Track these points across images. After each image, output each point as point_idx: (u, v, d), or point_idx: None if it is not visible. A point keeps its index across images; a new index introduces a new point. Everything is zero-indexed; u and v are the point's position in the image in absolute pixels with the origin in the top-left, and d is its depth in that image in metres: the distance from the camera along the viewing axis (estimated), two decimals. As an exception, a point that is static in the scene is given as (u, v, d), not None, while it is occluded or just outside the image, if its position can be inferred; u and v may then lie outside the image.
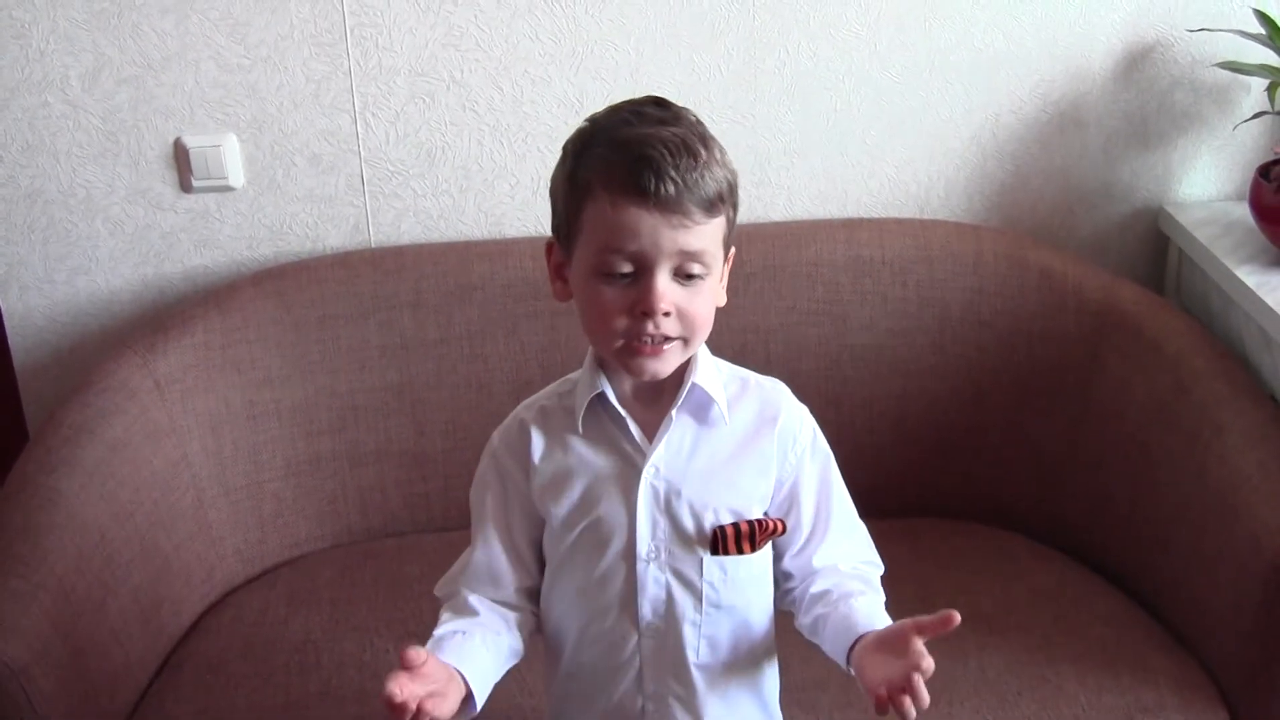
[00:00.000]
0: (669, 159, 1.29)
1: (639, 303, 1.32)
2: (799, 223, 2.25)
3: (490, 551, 1.46)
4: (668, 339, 1.34)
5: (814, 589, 1.46)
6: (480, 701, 1.38)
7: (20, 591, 1.65)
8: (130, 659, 1.84)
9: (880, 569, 1.50)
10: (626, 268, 1.32)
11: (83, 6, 2.08)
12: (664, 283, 1.32)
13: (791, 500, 1.46)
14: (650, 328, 1.32)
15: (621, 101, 1.39)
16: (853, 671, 1.38)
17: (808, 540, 1.47)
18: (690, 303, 1.34)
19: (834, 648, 1.41)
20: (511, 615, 1.46)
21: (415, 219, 2.25)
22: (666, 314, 1.32)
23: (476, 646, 1.41)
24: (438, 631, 1.42)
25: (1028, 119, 2.26)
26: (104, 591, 1.80)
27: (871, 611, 1.42)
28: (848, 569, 1.47)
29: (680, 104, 1.38)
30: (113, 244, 2.22)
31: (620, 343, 1.34)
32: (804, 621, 1.48)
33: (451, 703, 1.32)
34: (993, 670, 1.82)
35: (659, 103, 1.37)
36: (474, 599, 1.45)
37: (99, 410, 1.96)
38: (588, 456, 1.42)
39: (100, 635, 1.78)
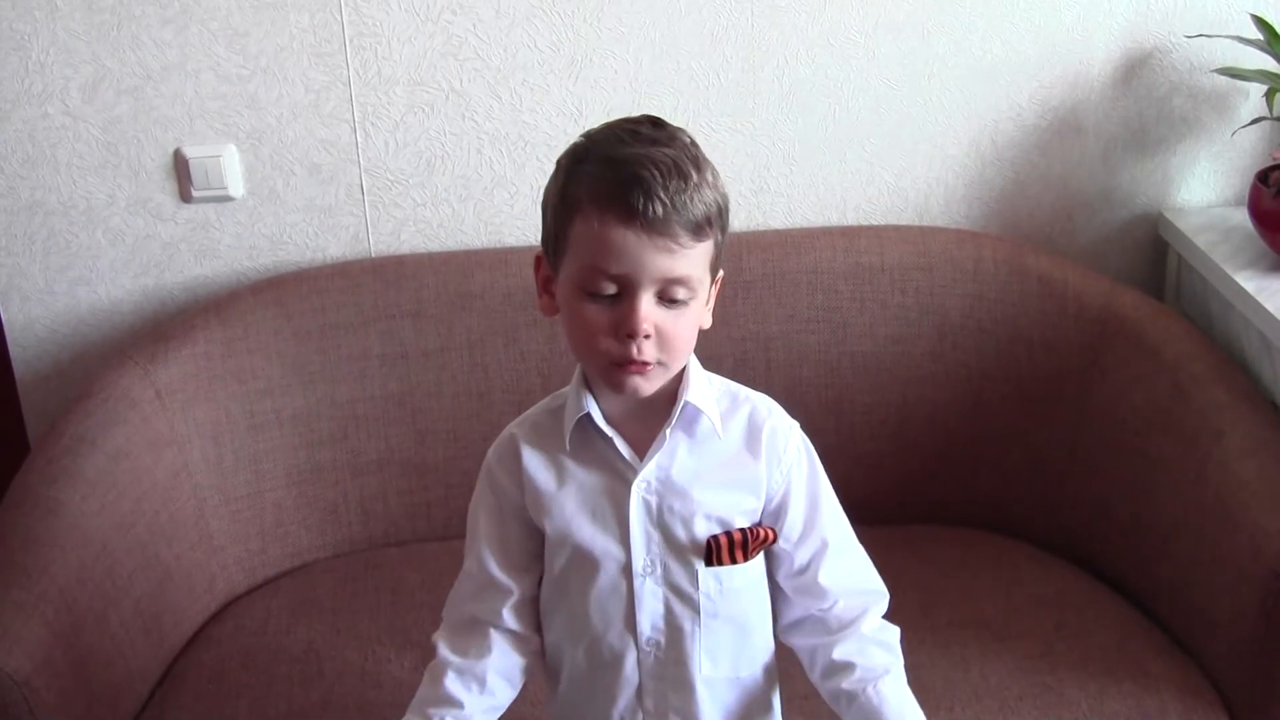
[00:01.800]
0: (659, 180, 1.28)
1: (621, 324, 1.31)
2: (798, 230, 2.25)
3: (484, 566, 1.45)
4: (647, 362, 1.33)
5: (835, 655, 1.45)
6: None
7: (22, 602, 1.65)
8: (132, 669, 1.85)
9: (886, 601, 1.48)
10: (610, 289, 1.31)
11: (82, 18, 2.09)
12: (647, 306, 1.31)
13: (780, 513, 1.45)
14: (633, 351, 1.32)
15: (617, 119, 1.38)
16: None
17: (808, 561, 1.45)
18: (673, 326, 1.33)
19: None
20: (494, 663, 1.45)
21: (415, 228, 2.25)
22: (648, 336, 1.32)
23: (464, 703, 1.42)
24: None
25: (1027, 126, 2.27)
26: (105, 602, 1.80)
27: (901, 702, 1.43)
28: (869, 631, 1.45)
29: (678, 120, 1.38)
30: (113, 254, 2.22)
31: (604, 362, 1.34)
32: (824, 688, 1.47)
33: None
34: (994, 677, 1.82)
35: (655, 122, 1.36)
36: (452, 681, 1.44)
37: (100, 420, 1.96)
38: (579, 474, 1.42)
39: (102, 646, 1.78)
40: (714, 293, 1.41)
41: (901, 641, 1.47)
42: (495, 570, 1.45)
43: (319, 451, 2.15)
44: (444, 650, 1.46)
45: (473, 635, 1.46)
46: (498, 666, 1.45)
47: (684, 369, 1.40)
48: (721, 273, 1.41)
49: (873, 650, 1.45)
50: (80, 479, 1.87)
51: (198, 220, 2.22)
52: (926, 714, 1.78)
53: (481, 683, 1.44)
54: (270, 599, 2.08)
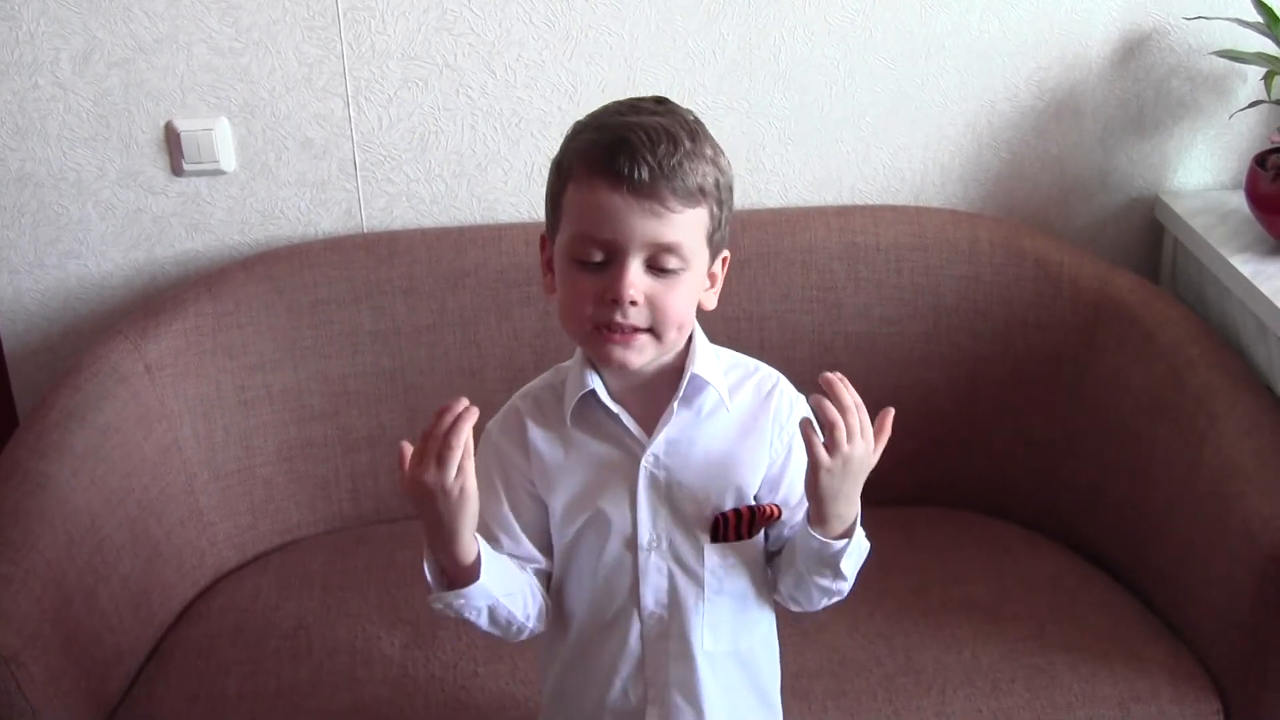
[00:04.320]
0: (647, 143, 1.28)
1: (608, 290, 1.30)
2: (793, 209, 2.24)
3: (514, 540, 1.43)
4: (636, 329, 1.32)
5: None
6: (484, 575, 1.33)
7: (10, 578, 1.65)
8: (121, 645, 1.84)
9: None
10: (598, 256, 1.31)
11: (74, -12, 2.07)
12: (635, 272, 1.30)
13: (779, 481, 1.44)
14: (617, 315, 1.30)
15: (627, 98, 1.38)
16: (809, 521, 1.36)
17: (793, 528, 1.44)
18: (663, 296, 1.32)
19: (802, 539, 1.38)
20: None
21: (408, 204, 2.24)
22: (634, 303, 1.30)
23: (503, 557, 1.40)
24: None
25: (1024, 107, 2.26)
26: (94, 577, 1.80)
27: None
28: None
29: (673, 97, 1.37)
30: (103, 228, 2.20)
31: (588, 329, 1.33)
32: (780, 575, 1.45)
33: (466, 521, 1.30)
34: (986, 659, 1.82)
35: (658, 100, 1.36)
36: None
37: (89, 395, 1.95)
38: (585, 448, 1.41)
39: (91, 621, 1.78)
40: (720, 274, 1.40)
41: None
42: (526, 543, 1.44)
43: (310, 427, 2.15)
44: None
45: None
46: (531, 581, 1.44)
47: (690, 342, 1.39)
48: (727, 253, 1.40)
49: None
50: (69, 454, 1.86)
51: (189, 194, 2.20)
52: (918, 696, 1.78)
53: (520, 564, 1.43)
54: (260, 575, 2.07)
